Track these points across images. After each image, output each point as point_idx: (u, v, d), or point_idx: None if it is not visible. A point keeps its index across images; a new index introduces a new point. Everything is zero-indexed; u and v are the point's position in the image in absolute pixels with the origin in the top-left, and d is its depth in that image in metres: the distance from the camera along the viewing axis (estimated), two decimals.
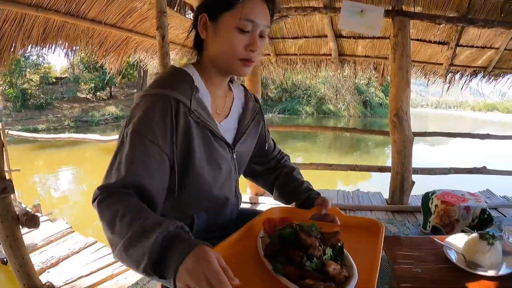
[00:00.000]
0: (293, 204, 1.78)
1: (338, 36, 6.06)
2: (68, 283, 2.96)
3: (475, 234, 1.79)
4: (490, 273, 1.63)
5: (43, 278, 2.69)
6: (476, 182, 6.83)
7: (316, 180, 7.71)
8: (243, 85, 1.77)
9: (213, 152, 1.45)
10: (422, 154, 17.01)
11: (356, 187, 6.86)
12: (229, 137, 1.55)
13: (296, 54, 6.58)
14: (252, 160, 1.82)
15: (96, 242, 3.66)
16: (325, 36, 6.05)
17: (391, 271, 1.74)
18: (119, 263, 3.26)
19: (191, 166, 1.39)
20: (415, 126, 5.72)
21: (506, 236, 2.04)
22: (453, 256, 1.76)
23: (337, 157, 16.21)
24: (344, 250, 1.29)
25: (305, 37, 6.22)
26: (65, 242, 3.65)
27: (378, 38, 5.95)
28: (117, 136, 1.49)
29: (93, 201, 1.24)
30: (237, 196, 1.71)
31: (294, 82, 35.80)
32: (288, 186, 1.83)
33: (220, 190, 1.55)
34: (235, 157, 1.58)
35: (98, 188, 1.24)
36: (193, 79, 1.42)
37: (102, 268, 3.20)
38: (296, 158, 15.64)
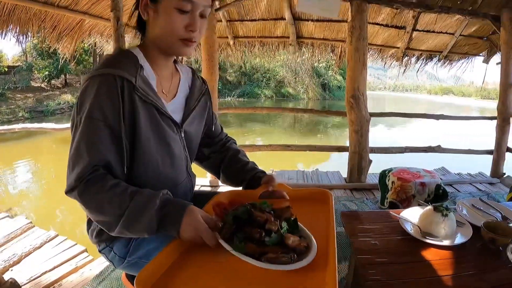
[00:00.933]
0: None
1: (296, 18, 6.11)
2: (33, 279, 2.91)
3: (429, 207, 1.87)
4: (445, 242, 1.71)
5: (7, 277, 2.65)
6: (433, 160, 7.07)
7: (276, 162, 7.79)
8: (190, 67, 1.82)
9: (160, 130, 1.49)
10: (381, 135, 17.35)
11: (317, 167, 6.97)
12: (177, 117, 1.59)
13: (254, 37, 6.60)
14: (200, 142, 1.85)
15: (57, 235, 3.58)
16: (283, 18, 6.10)
17: (350, 245, 1.81)
18: (83, 255, 3.26)
19: (138, 142, 1.42)
20: (373, 109, 5.85)
21: (460, 208, 2.15)
22: (409, 228, 1.83)
23: (298, 139, 16.39)
24: (299, 222, 1.36)
25: (263, 19, 6.24)
26: (26, 238, 3.55)
27: (336, 21, 6.04)
28: None
29: (70, 191, 1.33)
30: (190, 176, 1.73)
31: (253, 66, 35.74)
32: (234, 168, 1.87)
33: (170, 170, 1.58)
34: (183, 136, 1.62)
35: (73, 180, 1.31)
36: (137, 58, 1.45)
37: (66, 261, 3.15)
38: (256, 141, 15.72)
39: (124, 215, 1.26)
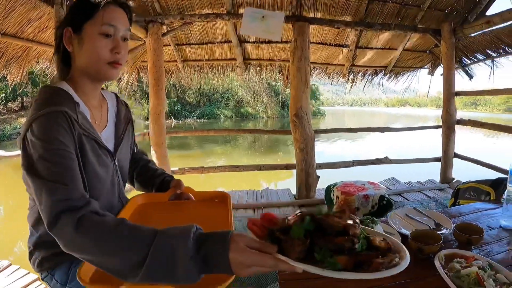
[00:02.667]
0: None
1: (242, 41, 6.22)
2: None
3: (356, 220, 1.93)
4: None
5: None
6: (385, 172, 7.22)
7: (240, 182, 7.80)
8: (113, 92, 1.87)
9: (100, 161, 1.52)
10: (338, 150, 17.57)
11: (278, 185, 7.02)
12: (110, 146, 1.63)
13: (202, 60, 6.68)
14: None
15: (10, 264, 3.53)
16: (230, 41, 6.19)
17: None
18: (36, 283, 3.20)
19: (86, 174, 1.42)
20: (333, 124, 6.00)
21: (391, 219, 2.22)
22: None
23: (258, 158, 16.27)
24: None
25: (211, 42, 6.32)
26: None
27: (282, 42, 6.15)
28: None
29: (54, 226, 1.16)
30: (122, 201, 1.76)
31: (212, 86, 35.74)
32: (145, 175, 2.00)
33: (111, 197, 1.64)
34: (116, 163, 1.67)
35: (59, 210, 1.16)
36: (70, 95, 1.47)
37: None
38: (218, 161, 15.65)
39: (145, 266, 1.05)
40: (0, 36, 4.39)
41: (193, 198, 1.87)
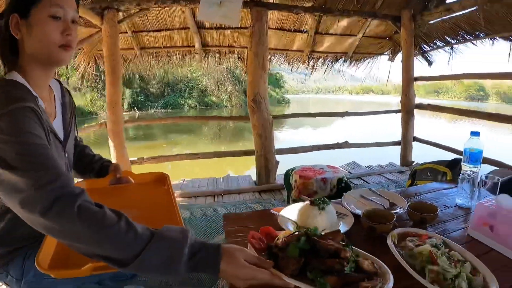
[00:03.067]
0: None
1: (200, 27, 6.12)
2: None
3: (307, 202, 1.90)
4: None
5: None
6: (346, 157, 7.31)
7: (206, 172, 7.75)
8: (57, 79, 1.79)
9: (59, 155, 1.51)
10: (302, 137, 17.66)
11: (246, 173, 7.00)
12: (61, 137, 1.60)
13: (160, 47, 6.54)
14: None
15: None
16: (188, 28, 6.09)
17: None
18: None
19: None
20: (298, 111, 6.03)
21: (345, 200, 2.20)
22: (289, 225, 1.84)
23: (224, 147, 16.31)
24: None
25: (168, 29, 6.20)
26: None
27: (241, 28, 6.10)
28: None
29: (50, 210, 1.09)
30: None
31: (175, 76, 35.37)
32: (83, 162, 1.98)
33: None
34: (67, 155, 1.64)
35: (57, 200, 1.11)
36: (28, 88, 1.42)
37: None
38: (184, 151, 15.53)
39: (138, 259, 1.12)
40: None
41: (133, 181, 1.88)
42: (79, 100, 30.48)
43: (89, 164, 1.98)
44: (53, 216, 1.09)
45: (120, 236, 1.12)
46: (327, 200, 1.89)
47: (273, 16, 6.04)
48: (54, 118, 1.63)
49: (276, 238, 1.37)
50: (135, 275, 1.71)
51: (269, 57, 6.56)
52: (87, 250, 1.13)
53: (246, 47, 6.34)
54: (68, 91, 1.84)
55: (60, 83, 1.80)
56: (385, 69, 7.49)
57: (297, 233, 1.31)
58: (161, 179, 1.95)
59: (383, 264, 1.28)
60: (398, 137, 6.56)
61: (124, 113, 5.24)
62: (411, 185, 3.97)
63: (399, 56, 6.69)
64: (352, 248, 1.31)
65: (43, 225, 1.11)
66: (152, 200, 1.70)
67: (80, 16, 5.07)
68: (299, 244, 1.24)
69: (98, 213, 1.13)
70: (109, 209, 1.18)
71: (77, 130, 1.93)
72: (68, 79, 32.72)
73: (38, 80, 1.52)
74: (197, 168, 9.04)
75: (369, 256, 1.33)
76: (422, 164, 3.96)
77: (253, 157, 5.55)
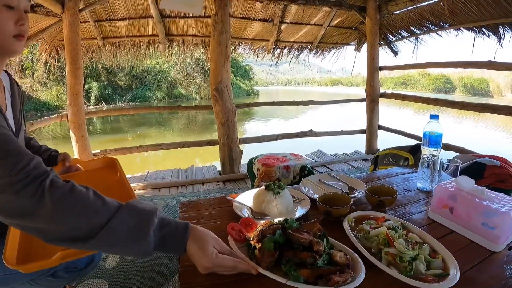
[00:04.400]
0: None
1: (164, 16, 6.01)
2: None
3: (262, 187, 1.88)
4: (276, 220, 1.68)
5: None
6: (312, 146, 7.31)
7: (174, 162, 7.67)
8: (5, 70, 1.69)
9: None
10: (270, 128, 17.75)
11: (214, 162, 6.98)
12: (13, 130, 1.59)
13: (123, 37, 6.38)
14: None
15: None
16: (151, 16, 5.97)
17: None
18: None
19: None
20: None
21: (303, 185, 2.18)
22: (244, 211, 1.82)
23: (193, 138, 16.22)
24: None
25: (131, 18, 6.04)
26: None
27: (205, 17, 6.02)
28: None
29: (24, 188, 1.07)
30: None
31: (143, 68, 35.08)
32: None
33: None
34: None
35: (29, 171, 1.10)
36: None
37: None
38: (153, 142, 15.45)
39: (106, 228, 1.09)
40: None
41: (82, 169, 1.86)
42: (45, 95, 29.92)
43: (37, 154, 1.86)
44: (29, 194, 1.06)
45: (89, 204, 1.09)
46: (282, 184, 1.88)
47: (237, 4, 5.96)
48: (5, 111, 1.56)
49: (255, 230, 1.40)
50: (89, 265, 1.68)
51: (233, 47, 6.50)
52: (57, 229, 1.08)
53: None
54: (17, 82, 1.76)
55: (9, 74, 1.73)
56: (352, 60, 7.53)
57: (273, 225, 1.33)
58: (111, 164, 1.93)
59: (356, 255, 1.28)
60: (363, 125, 6.59)
61: (91, 107, 5.12)
62: (373, 170, 4.00)
63: (365, 47, 6.72)
64: (328, 239, 1.33)
65: (19, 207, 1.06)
66: (104, 185, 1.68)
67: (40, 5, 4.93)
68: (274, 237, 1.26)
69: (67, 184, 1.11)
70: (76, 183, 1.15)
71: (25, 123, 1.86)
72: (33, 73, 32.06)
73: None
74: (165, 161, 9.00)
75: (343, 248, 1.35)
76: (384, 150, 3.99)
77: (214, 146, 5.52)
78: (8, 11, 1.37)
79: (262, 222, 1.48)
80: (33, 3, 5.05)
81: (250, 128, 18.65)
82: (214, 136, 16.60)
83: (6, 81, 1.68)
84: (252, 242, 1.32)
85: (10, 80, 1.71)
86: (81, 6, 5.07)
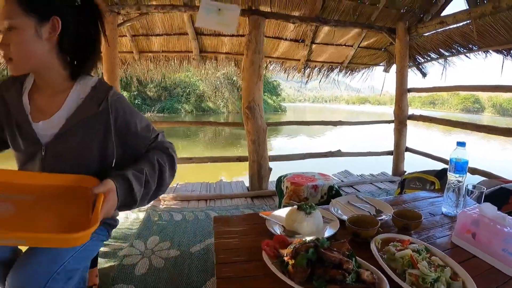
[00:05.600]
0: None
1: (199, 33, 6.17)
2: None
3: (294, 206, 1.95)
4: (309, 238, 1.75)
5: None
6: (339, 165, 7.34)
7: (200, 174, 7.79)
8: (96, 83, 1.69)
9: (22, 140, 1.65)
10: (296, 145, 17.72)
11: (240, 177, 7.04)
12: (46, 133, 1.61)
13: (158, 51, 6.57)
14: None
15: None
16: (186, 33, 6.14)
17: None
18: None
19: (9, 138, 1.70)
20: (294, 119, 6.09)
21: (332, 207, 2.25)
22: (276, 228, 1.89)
23: (220, 152, 16.22)
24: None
25: (167, 34, 6.24)
26: None
27: (238, 35, 6.15)
28: None
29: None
30: None
31: (173, 80, 35.43)
32: None
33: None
34: (43, 153, 1.62)
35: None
36: (21, 81, 1.67)
37: None
38: (179, 156, 15.53)
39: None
40: None
41: None
42: None
43: None
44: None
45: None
46: (314, 205, 1.95)
47: (270, 25, 6.08)
48: (49, 117, 1.60)
49: (288, 247, 1.48)
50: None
51: (265, 65, 6.62)
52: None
53: (243, 54, 6.42)
54: (108, 103, 1.65)
55: (93, 88, 1.67)
56: (380, 80, 7.56)
57: (306, 243, 1.42)
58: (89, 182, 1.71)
59: (381, 275, 1.36)
60: (391, 146, 6.61)
61: None
62: (400, 193, 4.02)
63: (394, 67, 6.73)
64: (356, 258, 1.42)
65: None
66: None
67: None
68: (307, 255, 1.36)
69: None
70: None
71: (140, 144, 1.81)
72: None
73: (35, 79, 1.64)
74: (190, 172, 9.07)
75: (370, 267, 1.42)
76: (411, 174, 4.01)
77: (247, 163, 5.58)
78: None
79: (294, 240, 1.55)
80: None
81: (276, 144, 18.66)
82: (241, 150, 16.71)
83: (82, 91, 1.65)
84: (285, 259, 1.41)
85: (90, 91, 1.65)
86: (119, 21, 5.27)
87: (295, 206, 1.95)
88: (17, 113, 1.59)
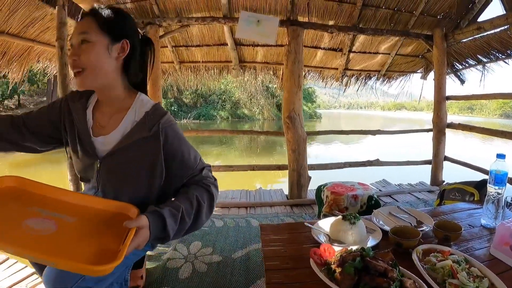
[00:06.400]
0: None
1: (238, 44, 6.30)
2: None
3: (339, 216, 2.04)
4: (354, 247, 1.77)
5: None
6: (376, 174, 7.33)
7: (234, 183, 7.89)
8: (152, 108, 1.76)
9: (81, 149, 1.83)
10: (332, 152, 17.65)
11: (273, 186, 7.11)
12: (102, 149, 1.77)
13: (199, 62, 6.75)
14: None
15: (8, 258, 3.55)
16: (226, 44, 6.28)
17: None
18: (33, 277, 3.24)
19: (70, 144, 1.88)
20: (329, 126, 6.12)
21: (375, 216, 2.33)
22: (321, 237, 1.97)
23: (254, 159, 16.31)
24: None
25: (207, 45, 6.40)
26: None
27: (277, 45, 6.22)
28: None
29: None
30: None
31: (209, 87, 35.69)
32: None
33: (83, 176, 1.93)
34: (99, 166, 1.78)
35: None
36: (89, 96, 1.87)
37: (17, 283, 3.14)
38: (215, 162, 15.71)
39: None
40: (3, 35, 4.46)
41: None
42: None
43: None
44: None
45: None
46: (358, 215, 2.04)
47: (308, 34, 6.15)
48: (108, 133, 1.74)
49: (334, 255, 1.59)
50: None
51: (303, 74, 6.70)
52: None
53: (281, 64, 6.53)
54: (159, 127, 1.71)
55: (148, 113, 1.74)
56: (418, 86, 7.52)
57: (353, 252, 1.51)
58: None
59: (423, 284, 1.45)
60: (429, 155, 6.56)
61: None
62: (439, 204, 4.00)
63: (431, 74, 6.68)
64: (399, 268, 1.50)
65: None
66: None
67: None
68: (355, 263, 1.45)
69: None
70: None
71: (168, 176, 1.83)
72: None
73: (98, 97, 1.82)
74: (226, 178, 9.17)
75: (412, 276, 1.51)
76: (450, 184, 3.99)
77: (282, 170, 5.65)
78: (70, 49, 1.64)
79: (339, 249, 1.65)
80: None
81: (311, 151, 18.56)
82: (276, 157, 16.68)
83: (137, 113, 1.75)
84: (332, 267, 1.50)
85: (144, 115, 1.73)
86: (161, 33, 5.45)
87: (340, 216, 2.04)
88: (80, 125, 1.76)
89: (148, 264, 3.29)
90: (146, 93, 1.88)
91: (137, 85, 1.84)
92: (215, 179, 1.90)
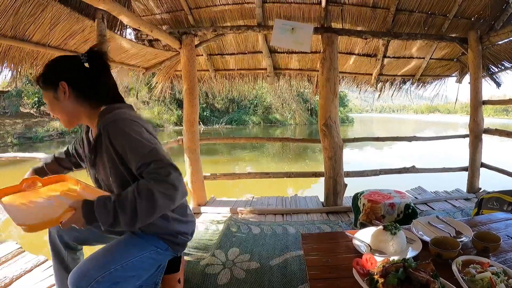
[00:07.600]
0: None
1: (272, 51, 6.37)
2: None
3: (380, 227, 2.07)
4: (394, 258, 1.81)
5: None
6: (411, 181, 7.32)
7: (266, 188, 7.96)
8: (104, 126, 1.92)
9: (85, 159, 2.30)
10: (365, 157, 17.52)
11: (304, 192, 7.14)
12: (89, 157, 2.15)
13: (233, 69, 6.86)
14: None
15: (47, 260, 3.61)
16: (260, 52, 6.37)
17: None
18: None
19: None
20: (361, 130, 6.12)
21: (414, 226, 2.36)
22: (362, 247, 2.01)
23: (287, 165, 16.40)
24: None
25: (242, 53, 6.50)
26: (17, 262, 3.58)
27: (311, 52, 6.26)
28: None
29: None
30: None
31: (240, 93, 35.73)
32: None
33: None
34: (89, 171, 2.23)
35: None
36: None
37: (54, 284, 3.25)
38: (246, 167, 15.80)
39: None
40: (45, 48, 4.61)
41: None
42: (147, 113, 31.64)
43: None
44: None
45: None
46: (398, 225, 2.08)
47: (342, 40, 6.17)
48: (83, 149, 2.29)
49: (377, 266, 1.65)
50: None
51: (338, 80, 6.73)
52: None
53: (316, 70, 6.57)
54: (102, 124, 1.92)
55: (100, 130, 1.93)
56: (453, 90, 7.43)
57: (396, 263, 1.57)
58: (64, 179, 2.40)
59: None
60: (465, 161, 6.46)
61: None
62: (477, 214, 3.98)
63: (466, 77, 6.61)
64: (439, 279, 1.54)
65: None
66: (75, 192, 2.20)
67: (158, 40, 5.63)
68: (398, 274, 1.51)
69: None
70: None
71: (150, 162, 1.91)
72: (137, 93, 34.12)
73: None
74: (260, 183, 9.21)
75: (452, 287, 1.54)
76: (488, 193, 3.94)
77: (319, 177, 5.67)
78: None
79: (380, 259, 1.69)
80: (151, 38, 5.66)
81: (344, 156, 18.46)
82: (308, 162, 16.60)
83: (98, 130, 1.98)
84: (375, 277, 1.55)
85: (97, 133, 1.96)
86: (197, 42, 5.57)
87: (381, 227, 2.08)
88: (84, 148, 2.23)
89: (187, 270, 3.36)
90: (118, 97, 2.08)
91: (106, 97, 2.03)
92: (168, 174, 1.78)
